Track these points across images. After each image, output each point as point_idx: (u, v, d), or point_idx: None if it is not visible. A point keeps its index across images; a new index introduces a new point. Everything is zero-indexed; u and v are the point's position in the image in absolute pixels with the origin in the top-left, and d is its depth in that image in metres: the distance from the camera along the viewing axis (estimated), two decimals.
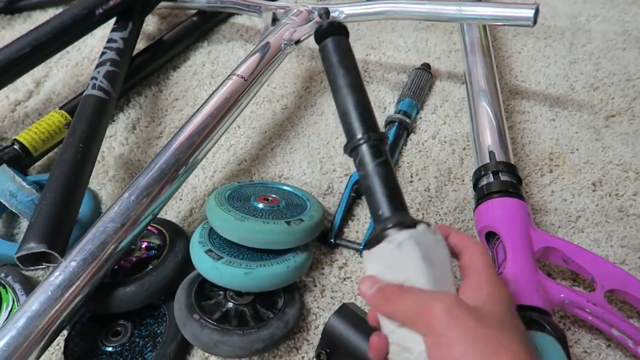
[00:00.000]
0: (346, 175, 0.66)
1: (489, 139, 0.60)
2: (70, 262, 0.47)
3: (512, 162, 0.57)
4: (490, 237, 0.53)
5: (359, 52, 0.86)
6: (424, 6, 0.67)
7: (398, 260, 0.34)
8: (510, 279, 0.46)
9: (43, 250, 0.47)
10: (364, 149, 0.40)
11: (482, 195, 0.54)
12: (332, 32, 0.44)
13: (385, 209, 0.37)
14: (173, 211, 0.62)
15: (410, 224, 0.36)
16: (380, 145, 0.40)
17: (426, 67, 0.80)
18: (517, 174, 0.56)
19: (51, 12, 0.96)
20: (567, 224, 0.60)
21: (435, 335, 0.30)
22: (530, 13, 0.60)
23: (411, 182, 0.65)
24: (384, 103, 0.76)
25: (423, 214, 0.62)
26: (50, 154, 0.69)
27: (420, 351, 0.31)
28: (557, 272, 0.56)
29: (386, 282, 0.35)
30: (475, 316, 0.30)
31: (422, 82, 0.76)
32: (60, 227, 0.50)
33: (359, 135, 0.40)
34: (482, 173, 0.56)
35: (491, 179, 0.55)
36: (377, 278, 0.35)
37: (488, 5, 0.63)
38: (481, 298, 0.32)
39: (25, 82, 0.79)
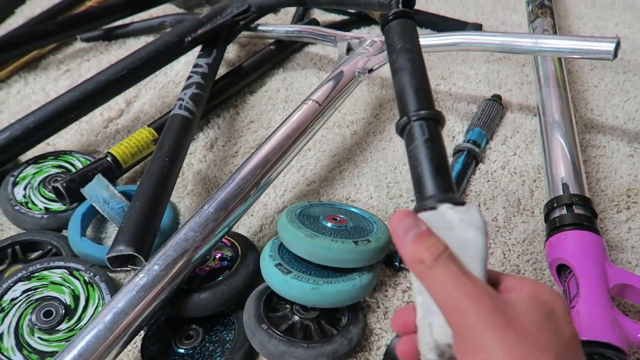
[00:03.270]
0: (412, 201, 0.67)
1: (562, 171, 0.59)
2: (154, 266, 0.50)
3: (587, 195, 0.56)
4: (562, 270, 0.52)
5: None
6: (498, 38, 0.68)
7: (458, 233, 0.30)
8: (583, 313, 0.44)
9: (130, 253, 0.52)
10: (416, 125, 0.35)
11: (554, 227, 0.53)
12: (399, 16, 0.42)
13: (442, 185, 0.33)
14: (244, 226, 0.66)
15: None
16: (435, 124, 0.35)
17: (497, 98, 0.80)
18: (592, 208, 0.54)
19: (143, 40, 1.05)
20: None
21: (463, 337, 0.27)
22: (610, 47, 0.59)
23: None
24: (453, 132, 0.77)
25: (490, 243, 0.61)
26: (136, 167, 0.74)
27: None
28: (633, 313, 0.53)
29: (428, 229, 0.30)
30: (511, 326, 0.26)
31: (492, 112, 0.76)
32: (146, 233, 0.54)
33: (412, 110, 0.36)
34: (555, 205, 0.55)
35: (564, 211, 0.54)
36: (419, 220, 0.30)
37: (565, 37, 0.63)
38: (521, 298, 0.27)
39: (117, 101, 0.87)
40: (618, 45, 0.60)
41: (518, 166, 0.70)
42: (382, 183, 0.70)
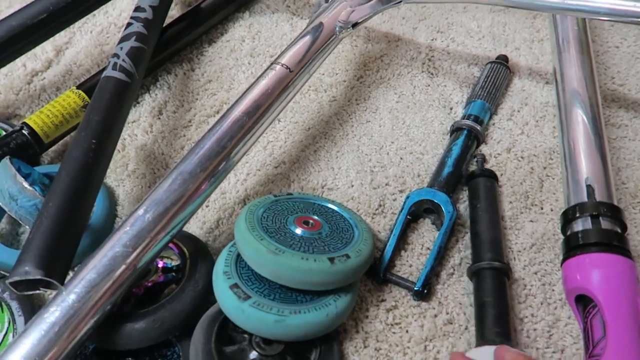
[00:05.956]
0: (401, 192, 0.56)
1: (585, 168, 0.48)
2: (70, 295, 0.39)
3: (615, 201, 0.46)
4: (582, 301, 0.42)
5: (422, 36, 0.73)
6: None
7: None
8: None
9: (39, 277, 0.40)
10: (487, 273, 0.46)
11: (576, 245, 0.43)
12: (485, 175, 0.54)
13: (499, 331, 0.43)
14: (197, 221, 0.54)
15: None
16: (503, 275, 0.46)
17: (503, 60, 0.67)
18: (623, 220, 0.44)
19: None
20: None
21: None
22: None
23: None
24: (450, 102, 0.64)
25: None
26: (66, 137, 0.61)
27: None
28: None
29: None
30: None
31: (498, 79, 0.64)
32: (61, 247, 0.42)
33: (486, 260, 0.47)
34: (577, 214, 0.45)
35: (589, 224, 0.44)
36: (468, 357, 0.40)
37: None
38: None
39: (45, 49, 0.71)
40: None
41: (526, 149, 0.59)
42: (365, 167, 0.58)
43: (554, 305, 0.47)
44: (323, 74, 0.68)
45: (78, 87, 0.60)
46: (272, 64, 0.53)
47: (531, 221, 0.53)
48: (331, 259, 0.43)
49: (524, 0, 0.54)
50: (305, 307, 0.42)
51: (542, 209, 0.54)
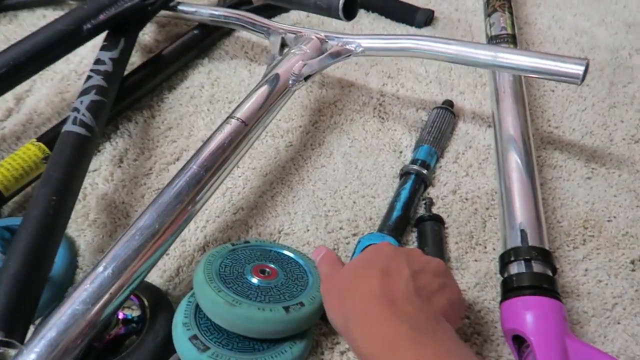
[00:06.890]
0: (354, 235, 0.59)
1: (519, 212, 0.52)
2: (30, 354, 0.40)
3: (547, 245, 0.50)
4: (518, 339, 0.46)
5: (374, 82, 0.77)
6: (452, 47, 0.59)
7: None
8: None
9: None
10: None
11: (510, 287, 0.47)
12: (432, 219, 0.58)
13: None
14: (158, 270, 0.55)
15: None
16: None
17: (448, 105, 0.72)
18: (553, 263, 0.48)
19: (39, 13, 0.88)
20: (602, 312, 0.53)
21: None
22: (579, 70, 0.52)
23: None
24: (400, 147, 0.69)
25: None
26: (28, 189, 0.61)
27: None
28: None
29: (329, 254, 0.51)
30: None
31: (443, 124, 0.68)
32: (21, 307, 0.43)
33: None
34: (512, 258, 0.49)
35: (522, 267, 0.48)
36: (326, 250, 0.52)
37: (529, 54, 0.55)
38: None
39: (5, 98, 0.71)
40: (587, 68, 0.52)
41: (470, 190, 0.63)
42: (320, 211, 0.61)
43: (496, 342, 0.51)
44: (280, 120, 0.71)
45: (38, 140, 0.61)
46: (228, 117, 0.56)
47: (475, 260, 0.57)
48: (286, 308, 0.45)
49: (462, 57, 0.59)
50: (262, 356, 0.44)
51: (485, 248, 0.58)
